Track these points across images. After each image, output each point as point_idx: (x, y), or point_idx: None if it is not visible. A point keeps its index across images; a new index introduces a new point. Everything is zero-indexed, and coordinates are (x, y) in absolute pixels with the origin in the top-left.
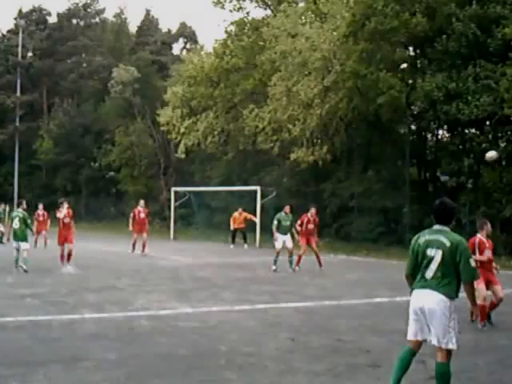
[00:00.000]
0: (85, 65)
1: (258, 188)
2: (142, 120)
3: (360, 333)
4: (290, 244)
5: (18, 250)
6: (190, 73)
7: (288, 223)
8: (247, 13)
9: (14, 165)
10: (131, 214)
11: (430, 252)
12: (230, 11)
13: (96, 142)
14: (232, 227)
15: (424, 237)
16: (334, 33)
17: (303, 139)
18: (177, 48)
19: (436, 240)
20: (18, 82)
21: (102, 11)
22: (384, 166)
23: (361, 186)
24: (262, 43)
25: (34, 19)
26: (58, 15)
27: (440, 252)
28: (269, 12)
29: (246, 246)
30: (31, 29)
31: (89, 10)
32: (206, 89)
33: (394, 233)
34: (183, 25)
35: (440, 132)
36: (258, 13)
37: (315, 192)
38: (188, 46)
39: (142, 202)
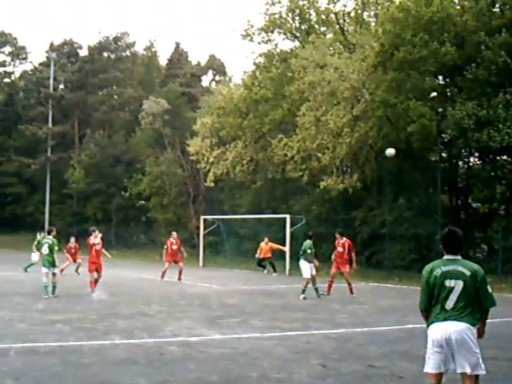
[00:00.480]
0: (116, 97)
1: (287, 216)
2: (171, 150)
3: (392, 359)
4: (313, 271)
5: (47, 276)
6: (219, 104)
7: (313, 250)
8: (275, 45)
9: (46, 194)
10: (165, 246)
11: (449, 283)
12: (259, 43)
13: (127, 171)
14: (258, 255)
15: (439, 268)
16: (363, 63)
17: (333, 167)
18: (206, 80)
19: (454, 270)
20: (50, 113)
21: (133, 44)
22: (415, 193)
23: (392, 214)
24: (290, 74)
25: (65, 52)
26: (89, 48)
27: (460, 282)
28: (297, 43)
29: (274, 274)
30: (63, 61)
31: (119, 43)
32: (234, 119)
33: (426, 260)
34: (212, 57)
35: (471, 159)
36: (286, 44)
37: (345, 220)
38: (217, 77)
39: (174, 234)
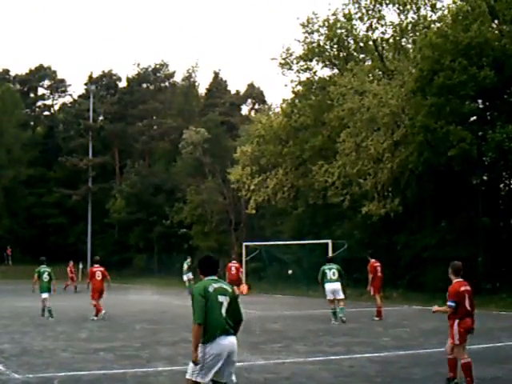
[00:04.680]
0: (155, 127)
1: (329, 241)
2: (212, 178)
3: (436, 381)
4: (340, 294)
5: (45, 300)
6: (258, 132)
7: (332, 272)
8: (314, 72)
9: (88, 224)
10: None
11: (221, 299)
12: (298, 71)
13: (168, 200)
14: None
15: (211, 285)
16: (402, 89)
17: (374, 192)
18: (245, 109)
19: (221, 287)
20: (90, 144)
21: (172, 75)
22: (456, 216)
23: (434, 237)
24: (329, 101)
25: (104, 84)
26: (128, 80)
27: (228, 298)
28: (335, 71)
29: None
30: (102, 93)
31: (158, 74)
32: (274, 147)
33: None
34: (251, 86)
35: None
36: (324, 72)
37: (387, 244)
38: (256, 106)
39: (233, 256)
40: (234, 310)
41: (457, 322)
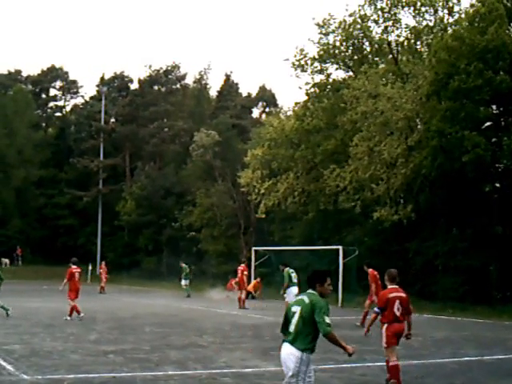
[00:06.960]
0: (166, 129)
1: (340, 247)
2: (222, 182)
3: None
4: None
5: None
6: (270, 135)
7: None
8: (328, 75)
9: (98, 225)
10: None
11: (294, 309)
12: (312, 72)
13: (177, 203)
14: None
15: (297, 298)
16: (416, 92)
17: (386, 198)
18: (256, 111)
19: (300, 299)
20: (101, 146)
21: (183, 77)
22: (469, 223)
23: (446, 245)
24: (342, 104)
25: (116, 86)
26: (140, 81)
27: (300, 308)
28: (350, 73)
29: None
30: (113, 95)
31: (170, 76)
32: (286, 150)
33: (480, 291)
34: (263, 88)
35: None
36: (338, 74)
37: (398, 251)
38: (267, 109)
39: (242, 259)
40: (305, 320)
41: (385, 326)
